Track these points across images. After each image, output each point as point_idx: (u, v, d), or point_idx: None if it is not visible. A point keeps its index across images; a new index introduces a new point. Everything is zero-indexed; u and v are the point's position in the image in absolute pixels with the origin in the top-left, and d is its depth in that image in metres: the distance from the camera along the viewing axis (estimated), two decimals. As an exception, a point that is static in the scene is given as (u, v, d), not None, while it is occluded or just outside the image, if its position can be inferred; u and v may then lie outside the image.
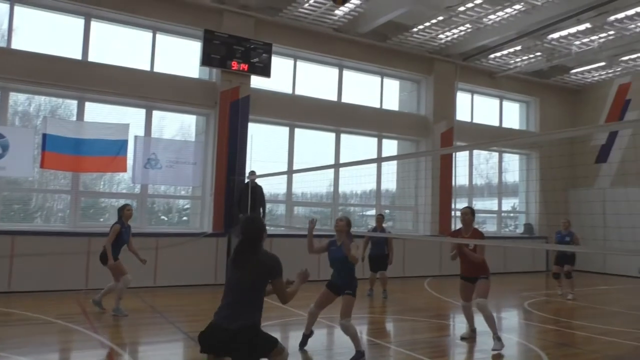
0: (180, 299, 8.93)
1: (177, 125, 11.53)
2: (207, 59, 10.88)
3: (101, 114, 10.36)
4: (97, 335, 6.08)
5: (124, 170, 10.32)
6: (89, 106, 10.36)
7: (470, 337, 6.46)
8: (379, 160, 12.55)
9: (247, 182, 10.63)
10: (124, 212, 7.46)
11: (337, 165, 12.25)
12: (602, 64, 14.39)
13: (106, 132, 10.04)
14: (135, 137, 10.51)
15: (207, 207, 11.13)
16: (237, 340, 3.33)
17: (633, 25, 11.67)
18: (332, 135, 12.97)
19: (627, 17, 11.21)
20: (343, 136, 13.08)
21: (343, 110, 12.86)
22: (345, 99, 13.12)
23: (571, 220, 13.34)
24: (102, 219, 10.98)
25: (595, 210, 13.52)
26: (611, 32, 12.15)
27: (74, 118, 10.27)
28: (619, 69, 14.79)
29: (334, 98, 13.01)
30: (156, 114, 11.07)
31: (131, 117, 10.58)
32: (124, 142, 10.19)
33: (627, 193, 12.69)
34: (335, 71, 13.15)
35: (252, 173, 10.61)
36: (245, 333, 3.37)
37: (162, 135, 11.12)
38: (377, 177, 13.28)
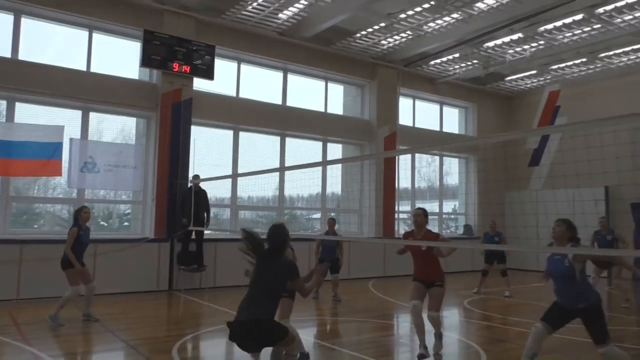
0: (120, 306, 8.61)
1: (118, 128, 11.14)
2: (147, 60, 10.60)
3: (33, 115, 9.84)
4: (30, 348, 5.76)
5: (59, 174, 9.85)
6: (20, 107, 9.82)
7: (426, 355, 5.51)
8: (324, 163, 12.63)
9: (191, 186, 10.42)
10: (81, 215, 7.23)
11: (282, 169, 12.24)
12: (534, 72, 15.17)
13: (39, 134, 9.54)
14: (71, 139, 10.06)
15: (148, 212, 10.81)
16: (252, 329, 3.85)
17: (561, 36, 12.37)
18: (277, 138, 12.94)
19: (555, 28, 11.86)
20: (288, 140, 13.08)
21: (288, 114, 12.88)
22: (290, 102, 13.14)
23: (507, 221, 13.99)
24: (36, 226, 10.44)
25: (529, 211, 14.18)
26: (541, 42, 12.82)
27: (3, 119, 9.71)
28: (549, 77, 15.63)
29: (279, 102, 13.00)
30: (95, 116, 10.65)
31: (66, 119, 10.12)
32: (59, 145, 9.73)
33: (554, 194, 13.44)
34: (279, 75, 13.15)
35: (196, 177, 10.42)
36: (258, 323, 3.86)
37: (102, 138, 10.72)
38: (322, 180, 13.36)
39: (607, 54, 13.45)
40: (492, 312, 8.84)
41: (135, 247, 10.13)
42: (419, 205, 15.74)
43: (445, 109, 16.66)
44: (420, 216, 5.82)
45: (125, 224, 11.37)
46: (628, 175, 11.36)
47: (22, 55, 9.77)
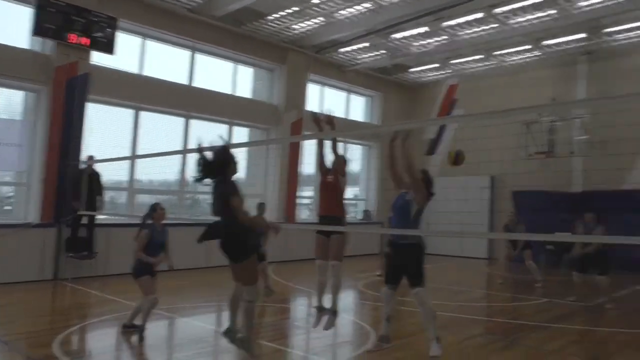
0: (-2, 297, 7.99)
1: (2, 102, 10.19)
2: (39, 29, 9.77)
3: None
4: None
5: None
6: None
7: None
8: (229, 147, 12.44)
9: (83, 168, 9.83)
10: None
11: (185, 151, 11.88)
12: (436, 65, 15.88)
13: None
14: (-55, 112, 9.11)
15: (34, 195, 10.05)
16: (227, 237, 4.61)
17: (462, 32, 13.02)
18: (182, 120, 12.55)
19: (458, 24, 12.44)
20: (193, 122, 12.72)
21: (194, 95, 12.50)
22: (197, 83, 12.77)
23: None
24: None
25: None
26: (444, 37, 13.42)
27: None
28: (449, 71, 16.43)
29: (185, 81, 12.59)
30: (-27, 87, 9.69)
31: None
32: None
33: (447, 182, 14.29)
34: (187, 53, 12.71)
35: (90, 158, 9.85)
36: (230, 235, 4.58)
37: (-18, 112, 9.78)
38: (227, 164, 13.14)
39: (501, 52, 14.37)
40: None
41: (17, 233, 9.38)
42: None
43: (352, 96, 17.01)
44: (341, 164, 5.83)
45: (7, 207, 10.50)
46: (510, 165, 12.30)
47: None
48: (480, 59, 15.01)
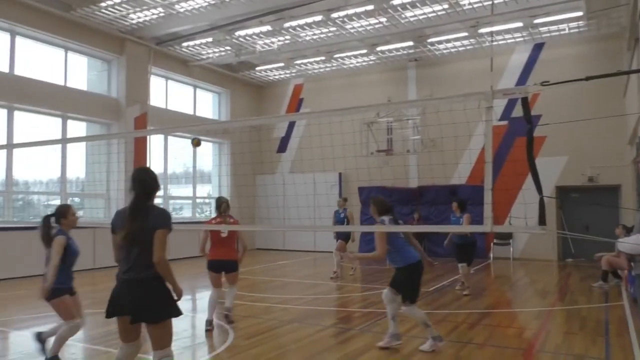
0: None
1: None
2: None
3: None
4: None
5: None
6: None
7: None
8: (64, 141, 11.35)
9: None
10: None
11: (10, 146, 10.56)
12: (281, 64, 16.29)
13: None
14: None
15: None
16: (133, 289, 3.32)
17: (304, 34, 13.56)
18: (3, 112, 11.07)
19: (298, 25, 12.92)
20: (18, 114, 11.31)
21: (17, 84, 11.11)
22: (20, 71, 11.35)
23: (258, 202, 14.83)
24: None
25: (278, 193, 15.35)
26: (287, 37, 13.84)
27: None
28: (294, 71, 16.99)
29: (5, 69, 11.11)
30: None
31: None
32: None
33: (304, 178, 14.80)
34: (5, 37, 11.22)
35: None
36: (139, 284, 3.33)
37: None
38: (62, 160, 11.94)
39: (340, 55, 15.29)
40: (239, 291, 9.26)
41: None
42: (173, 189, 15.54)
43: (199, 92, 16.65)
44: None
45: None
46: (355, 162, 13.16)
47: None
48: (322, 60, 15.77)
